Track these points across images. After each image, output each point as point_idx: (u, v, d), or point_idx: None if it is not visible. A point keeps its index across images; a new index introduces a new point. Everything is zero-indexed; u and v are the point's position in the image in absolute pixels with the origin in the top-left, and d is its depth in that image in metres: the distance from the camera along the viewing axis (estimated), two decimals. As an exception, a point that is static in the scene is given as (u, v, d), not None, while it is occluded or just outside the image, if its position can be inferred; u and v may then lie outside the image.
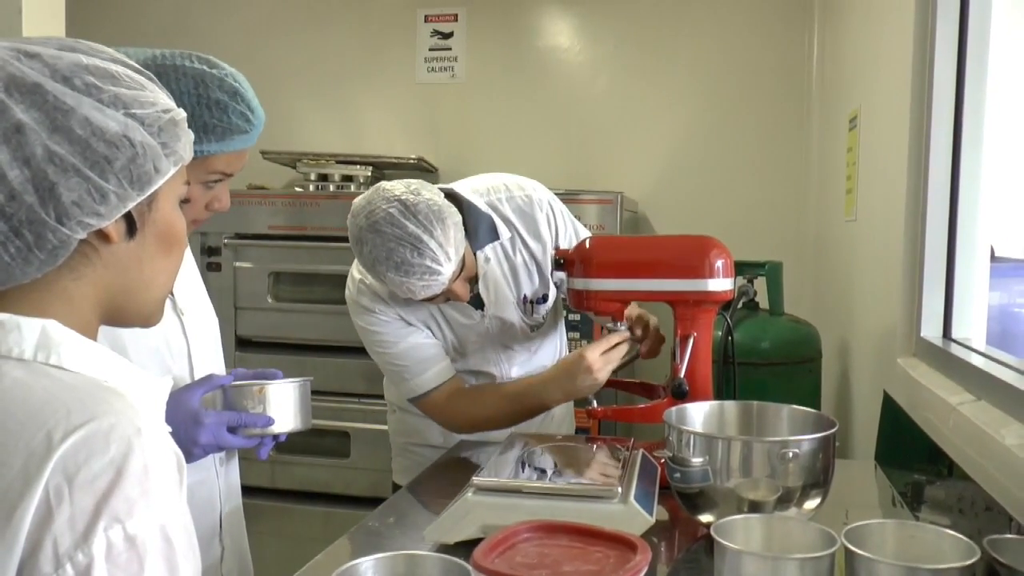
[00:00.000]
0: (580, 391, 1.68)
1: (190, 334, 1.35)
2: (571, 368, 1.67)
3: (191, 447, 1.25)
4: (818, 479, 1.24)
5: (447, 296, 1.70)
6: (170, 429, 0.77)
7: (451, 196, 1.70)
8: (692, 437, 1.27)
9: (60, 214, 0.74)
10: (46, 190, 0.73)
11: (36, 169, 0.73)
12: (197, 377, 1.34)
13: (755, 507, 1.21)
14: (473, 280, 1.76)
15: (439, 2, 3.72)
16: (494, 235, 1.78)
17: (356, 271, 1.81)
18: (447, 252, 1.58)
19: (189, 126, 1.16)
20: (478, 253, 1.77)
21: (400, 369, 1.80)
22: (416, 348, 1.79)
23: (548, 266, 1.83)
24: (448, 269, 1.59)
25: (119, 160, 0.76)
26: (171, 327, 1.32)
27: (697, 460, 1.23)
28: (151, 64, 1.15)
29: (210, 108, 1.17)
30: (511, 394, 1.79)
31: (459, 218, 1.64)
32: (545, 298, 1.87)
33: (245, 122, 1.20)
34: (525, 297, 1.85)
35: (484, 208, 1.77)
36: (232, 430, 1.30)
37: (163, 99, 0.82)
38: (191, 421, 1.24)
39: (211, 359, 1.40)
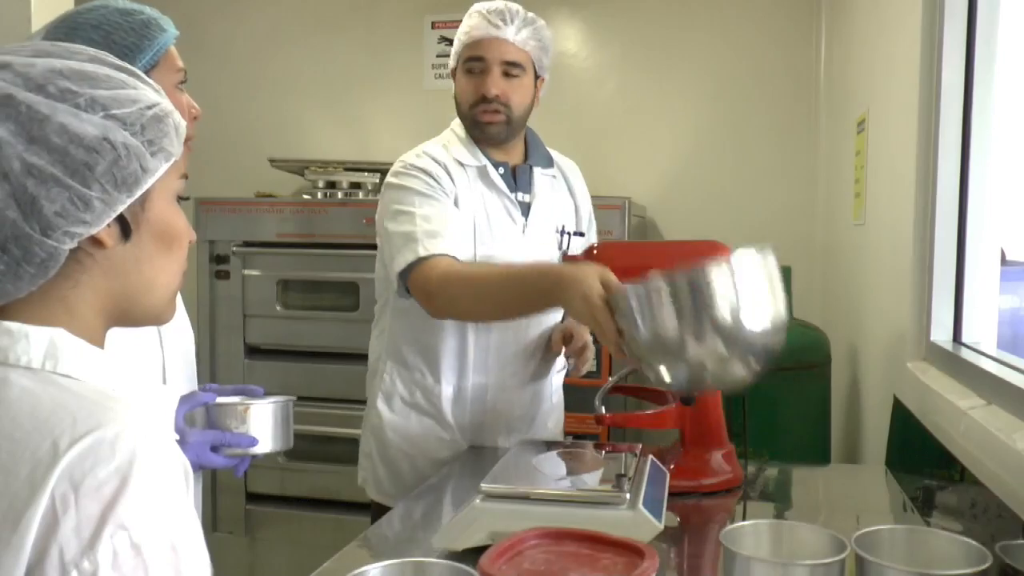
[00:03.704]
0: (581, 283, 1.37)
1: (166, 347, 1.32)
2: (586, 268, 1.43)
3: None
4: None
5: (491, 84, 1.76)
6: (177, 437, 0.77)
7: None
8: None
9: (44, 227, 0.73)
10: (27, 204, 0.72)
11: (15, 184, 0.72)
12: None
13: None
14: (515, 129, 1.86)
15: (446, 8, 3.72)
16: (549, 163, 1.94)
17: (423, 149, 1.83)
18: (525, 29, 1.76)
19: (145, 28, 1.20)
20: (535, 169, 1.90)
21: (415, 230, 1.67)
22: (446, 215, 1.72)
23: (584, 218, 2.01)
24: (512, 32, 1.74)
25: (100, 165, 0.74)
26: (149, 338, 1.28)
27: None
28: (79, 13, 1.19)
29: (142, 11, 1.24)
30: (508, 267, 1.70)
31: (551, 43, 1.84)
32: (581, 234, 1.94)
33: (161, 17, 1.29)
34: (563, 228, 1.90)
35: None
36: (215, 449, 1.28)
37: (147, 95, 0.79)
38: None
39: (184, 373, 1.37)
